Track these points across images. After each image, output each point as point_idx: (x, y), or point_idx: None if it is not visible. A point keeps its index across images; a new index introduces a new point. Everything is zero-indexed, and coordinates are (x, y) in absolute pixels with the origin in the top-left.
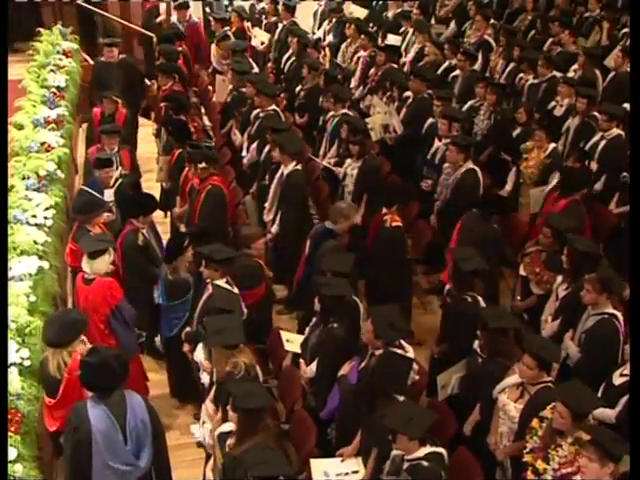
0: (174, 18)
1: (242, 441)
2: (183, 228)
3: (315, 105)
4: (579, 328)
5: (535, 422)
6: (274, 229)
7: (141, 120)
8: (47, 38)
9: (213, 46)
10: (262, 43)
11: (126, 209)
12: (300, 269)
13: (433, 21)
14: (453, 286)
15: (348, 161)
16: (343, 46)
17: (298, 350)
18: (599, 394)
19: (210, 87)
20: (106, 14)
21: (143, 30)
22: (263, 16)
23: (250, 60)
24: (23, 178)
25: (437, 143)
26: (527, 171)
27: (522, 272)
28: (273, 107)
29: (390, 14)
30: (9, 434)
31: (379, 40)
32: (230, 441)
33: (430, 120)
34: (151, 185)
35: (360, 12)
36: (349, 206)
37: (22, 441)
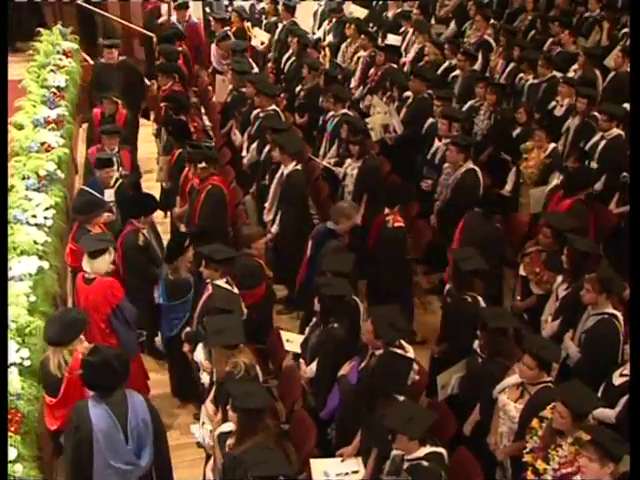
0: (173, 18)
1: (242, 441)
2: (183, 228)
3: (315, 105)
4: (579, 328)
5: (535, 422)
6: (274, 229)
7: (141, 120)
8: (47, 38)
9: (213, 46)
10: (262, 43)
11: (127, 209)
12: (302, 270)
13: (433, 21)
14: (453, 286)
15: (348, 161)
16: (343, 46)
17: (298, 350)
18: (599, 394)
19: (210, 87)
20: (106, 14)
21: (143, 30)
22: (263, 16)
23: (250, 60)
24: (23, 178)
25: (437, 143)
26: (527, 171)
27: (522, 272)
28: (273, 107)
29: (390, 14)
30: (9, 434)
31: (379, 40)
32: (230, 441)
33: (430, 120)
34: (151, 185)
35: (360, 12)
36: (350, 206)
37: (22, 441)
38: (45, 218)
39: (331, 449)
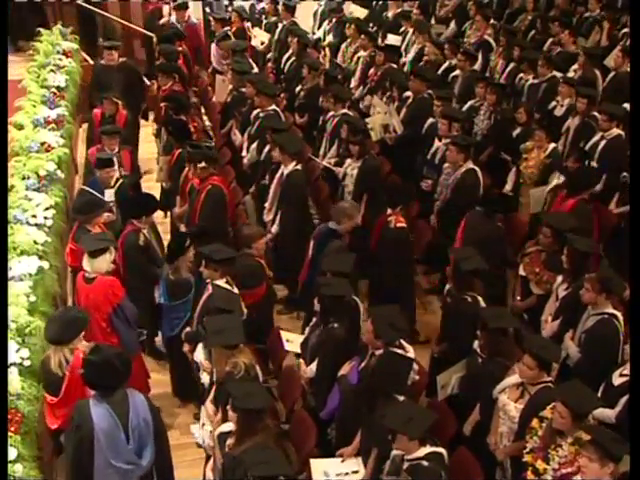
0: (173, 19)
1: (242, 441)
2: (183, 228)
3: (315, 105)
4: (579, 328)
5: (535, 422)
6: (274, 229)
7: (140, 121)
8: (47, 38)
9: (213, 46)
10: (262, 43)
11: (127, 209)
12: (304, 270)
13: (433, 21)
14: (453, 286)
15: (348, 161)
16: (343, 46)
17: (298, 350)
18: (599, 394)
19: (210, 87)
20: (106, 14)
21: (143, 30)
22: (263, 16)
23: (250, 60)
24: (23, 178)
25: (437, 143)
26: (527, 171)
27: (522, 272)
28: (273, 107)
29: (390, 14)
30: (9, 434)
31: (379, 40)
32: (230, 441)
33: (430, 120)
34: (151, 185)
35: (360, 12)
36: (352, 206)
37: (22, 441)
38: (45, 218)
39: (331, 449)
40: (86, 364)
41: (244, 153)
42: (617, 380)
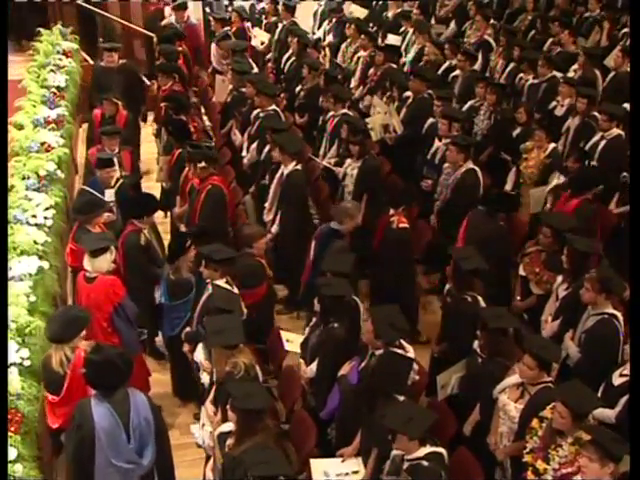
0: (172, 19)
1: (241, 441)
2: (183, 228)
3: (315, 105)
4: (579, 328)
5: (535, 422)
6: (274, 229)
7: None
8: (47, 38)
9: (213, 46)
10: (262, 43)
11: (128, 210)
12: (306, 270)
13: (433, 21)
14: (453, 286)
15: (348, 161)
16: (343, 46)
17: (298, 350)
18: (599, 394)
19: (210, 87)
20: (106, 14)
21: (143, 30)
22: (263, 16)
23: (250, 60)
24: (23, 178)
25: (437, 143)
26: (527, 171)
27: (522, 272)
28: (273, 107)
29: (390, 14)
30: (9, 434)
31: (379, 40)
32: (229, 441)
33: (430, 120)
34: (151, 185)
35: (360, 12)
36: (354, 206)
37: (22, 441)
38: (45, 218)
39: (331, 449)
40: (88, 363)
41: (244, 153)
42: (617, 380)
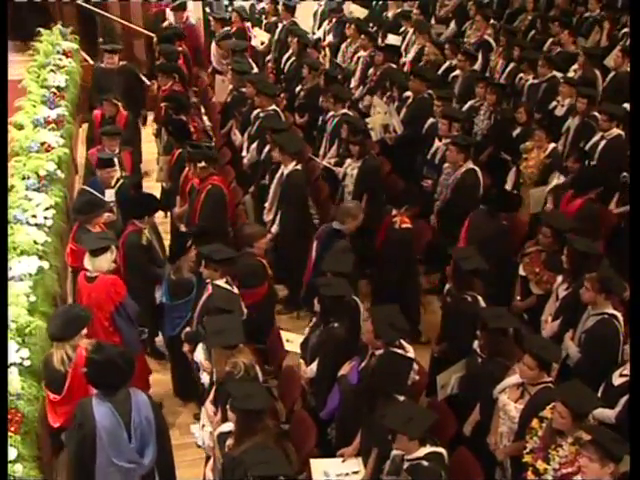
0: (171, 19)
1: (241, 442)
2: (183, 228)
3: (315, 105)
4: (579, 328)
5: (535, 422)
6: (274, 229)
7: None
8: (47, 38)
9: (213, 45)
10: (262, 43)
11: (129, 210)
12: (308, 270)
13: (433, 21)
14: (453, 286)
15: (348, 161)
16: (343, 46)
17: (298, 350)
18: (599, 394)
19: (210, 87)
20: (106, 14)
21: (143, 30)
22: (263, 16)
23: (250, 60)
24: (23, 178)
25: (437, 143)
26: (527, 171)
27: (522, 272)
28: (273, 107)
29: (390, 14)
30: (9, 434)
31: (379, 40)
32: (229, 441)
33: (430, 120)
34: (151, 185)
35: (360, 12)
36: (356, 206)
37: (22, 441)
38: (45, 218)
39: (331, 449)
40: (89, 363)
41: (244, 153)
42: (617, 380)
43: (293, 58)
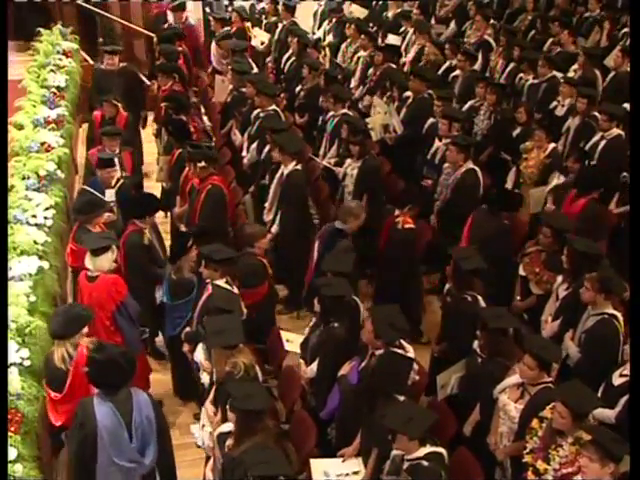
0: (171, 19)
1: (240, 442)
2: (183, 228)
3: (315, 105)
4: (579, 328)
5: (535, 422)
6: (274, 229)
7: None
8: (47, 38)
9: (213, 45)
10: (262, 43)
11: (130, 210)
12: (310, 270)
13: (433, 21)
14: (453, 285)
15: (348, 161)
16: (343, 46)
17: (298, 350)
18: (599, 394)
19: (210, 87)
20: (106, 14)
21: (143, 30)
22: (263, 16)
23: (250, 60)
24: (23, 178)
25: (437, 143)
26: (527, 171)
27: (522, 272)
28: (273, 107)
29: (390, 14)
30: (9, 434)
31: (379, 40)
32: (229, 442)
33: (430, 120)
34: (151, 185)
35: (360, 12)
36: (358, 205)
37: (22, 441)
38: (45, 218)
39: (331, 449)
40: (91, 362)
41: (244, 153)
42: (617, 380)
43: (293, 58)
